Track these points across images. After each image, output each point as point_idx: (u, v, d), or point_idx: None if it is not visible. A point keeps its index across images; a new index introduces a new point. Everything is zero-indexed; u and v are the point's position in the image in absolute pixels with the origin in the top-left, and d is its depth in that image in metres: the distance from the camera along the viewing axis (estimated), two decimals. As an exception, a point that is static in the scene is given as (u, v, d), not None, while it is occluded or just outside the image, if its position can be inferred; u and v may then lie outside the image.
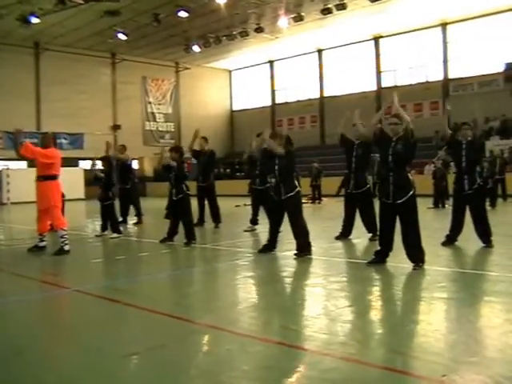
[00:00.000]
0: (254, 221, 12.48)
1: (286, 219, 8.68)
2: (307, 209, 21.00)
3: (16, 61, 31.95)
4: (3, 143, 32.21)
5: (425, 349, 4.11)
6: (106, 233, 12.01)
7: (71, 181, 32.07)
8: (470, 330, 4.65)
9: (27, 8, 25.74)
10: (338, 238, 10.29)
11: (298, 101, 39.48)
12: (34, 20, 26.53)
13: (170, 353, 4.20)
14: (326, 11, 27.06)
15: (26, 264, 8.87)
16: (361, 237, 10.30)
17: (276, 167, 8.47)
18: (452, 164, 22.72)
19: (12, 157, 32.29)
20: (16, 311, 5.78)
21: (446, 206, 16.93)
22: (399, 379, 3.60)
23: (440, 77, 32.28)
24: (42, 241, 9.66)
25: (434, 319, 5.10)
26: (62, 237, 9.28)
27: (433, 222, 13.22)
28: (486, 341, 4.34)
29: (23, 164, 33.07)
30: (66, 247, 9.25)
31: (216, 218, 13.36)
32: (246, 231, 12.22)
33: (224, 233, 12.50)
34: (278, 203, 8.54)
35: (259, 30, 29.73)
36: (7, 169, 30.93)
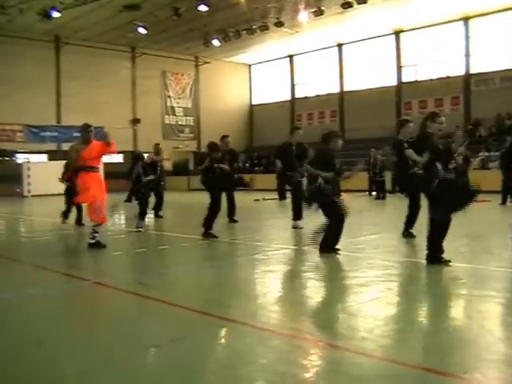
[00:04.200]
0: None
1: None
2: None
3: (36, 55, 32.18)
4: (24, 136, 32.50)
5: (446, 345, 4.07)
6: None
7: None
8: (491, 327, 4.60)
9: (48, 2, 25.94)
10: None
11: (318, 95, 39.29)
12: (55, 14, 26.72)
13: (190, 346, 4.20)
14: (347, 5, 26.88)
15: (46, 256, 8.95)
16: (381, 232, 10.25)
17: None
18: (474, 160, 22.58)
19: (33, 150, 32.85)
20: (36, 303, 5.82)
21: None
22: (420, 375, 3.57)
23: (461, 72, 31.92)
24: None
25: (454, 316, 5.06)
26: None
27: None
28: (508, 339, 4.29)
29: (44, 157, 33.45)
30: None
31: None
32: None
33: (242, 227, 12.49)
34: None
35: (279, 24, 29.60)
36: (28, 162, 31.24)
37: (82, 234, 12.00)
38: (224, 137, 13.09)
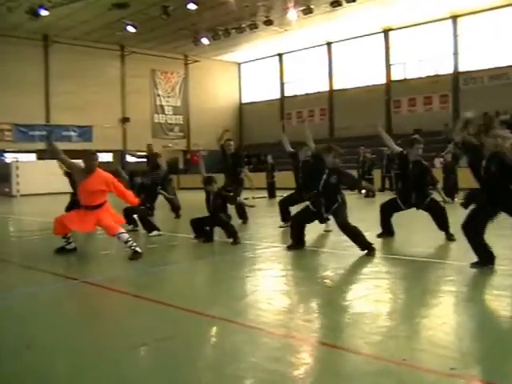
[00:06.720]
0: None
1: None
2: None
3: (25, 54, 31.96)
4: (12, 136, 32.32)
5: (433, 342, 4.09)
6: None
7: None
8: (478, 323, 4.63)
9: (36, 1, 25.78)
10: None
11: (307, 94, 39.31)
12: (43, 13, 26.55)
13: (178, 344, 4.20)
14: (336, 4, 26.92)
15: (34, 255, 8.90)
16: (369, 230, 10.26)
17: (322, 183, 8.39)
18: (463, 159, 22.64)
19: (22, 149, 32.66)
20: (24, 303, 5.80)
21: (456, 199, 16.83)
22: (407, 372, 3.58)
23: (450, 70, 32.07)
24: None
25: (442, 312, 5.08)
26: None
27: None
28: (494, 334, 4.31)
29: (32, 156, 33.28)
30: None
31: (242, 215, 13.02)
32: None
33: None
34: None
35: (268, 22, 29.60)
36: (17, 161, 31.04)
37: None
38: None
